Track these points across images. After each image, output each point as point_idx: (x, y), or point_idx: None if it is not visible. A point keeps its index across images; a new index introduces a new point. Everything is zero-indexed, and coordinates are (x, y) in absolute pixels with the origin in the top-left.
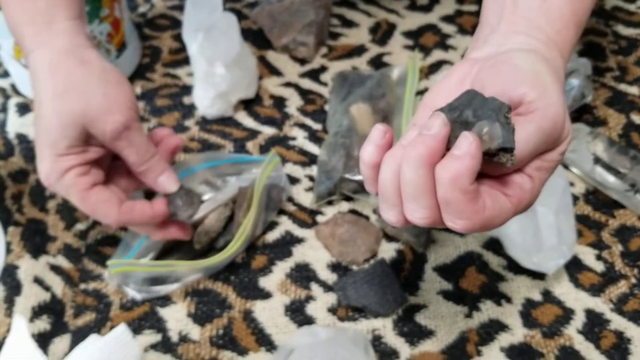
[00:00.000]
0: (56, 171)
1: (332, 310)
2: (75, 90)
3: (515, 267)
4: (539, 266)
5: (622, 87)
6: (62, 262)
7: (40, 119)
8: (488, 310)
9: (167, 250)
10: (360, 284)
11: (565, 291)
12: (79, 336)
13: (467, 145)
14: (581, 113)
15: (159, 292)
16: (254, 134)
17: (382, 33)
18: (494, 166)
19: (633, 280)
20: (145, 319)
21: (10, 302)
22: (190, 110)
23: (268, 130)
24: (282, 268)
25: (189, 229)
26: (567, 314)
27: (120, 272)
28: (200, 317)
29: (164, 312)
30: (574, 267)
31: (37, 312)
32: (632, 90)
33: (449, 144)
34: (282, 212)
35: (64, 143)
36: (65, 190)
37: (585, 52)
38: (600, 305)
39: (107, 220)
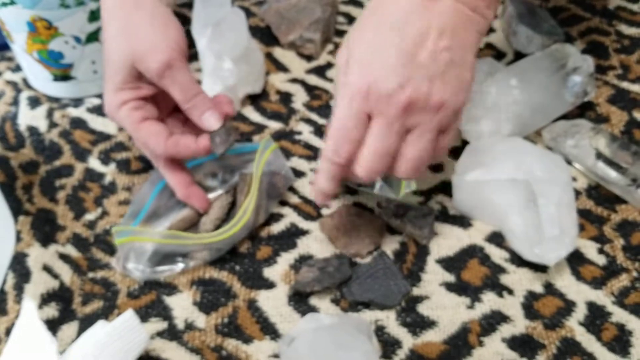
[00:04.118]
0: (114, 104)
1: (336, 302)
2: (127, 33)
3: (518, 260)
4: (541, 257)
5: (625, 85)
6: (71, 251)
7: (104, 56)
8: (490, 301)
9: None
10: (363, 279)
11: (567, 284)
12: (86, 323)
13: None
14: (584, 109)
15: (162, 273)
16: (260, 128)
17: None
18: None
19: (634, 274)
20: (151, 307)
21: (19, 289)
22: None
23: (274, 125)
24: (286, 259)
25: (207, 202)
26: (568, 306)
27: (126, 243)
28: (205, 306)
29: (170, 301)
30: (576, 260)
31: (46, 299)
32: (635, 88)
33: None
34: (287, 204)
35: (118, 78)
36: (121, 121)
37: (589, 50)
38: (602, 298)
39: (156, 151)
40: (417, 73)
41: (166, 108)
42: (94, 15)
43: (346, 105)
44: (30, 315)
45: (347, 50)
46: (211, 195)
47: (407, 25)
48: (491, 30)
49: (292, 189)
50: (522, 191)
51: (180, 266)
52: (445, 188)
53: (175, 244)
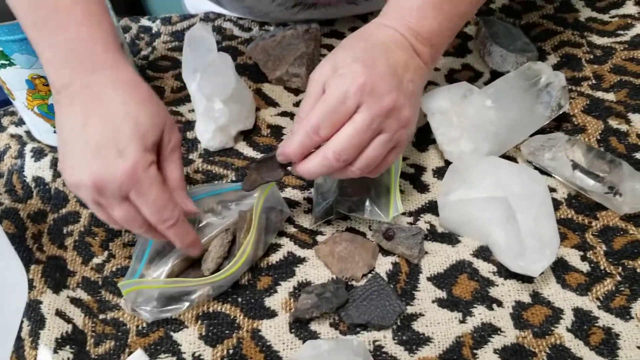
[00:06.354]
0: (145, 162)
1: (335, 325)
2: (157, 103)
3: (505, 272)
4: (525, 269)
5: (599, 94)
6: (82, 294)
7: (128, 116)
8: (481, 314)
9: (177, 276)
10: (360, 302)
11: (554, 292)
12: None
13: None
14: (560, 121)
15: (169, 312)
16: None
17: None
18: None
19: (618, 278)
20: (160, 343)
21: (35, 335)
22: (193, 144)
23: None
24: (285, 287)
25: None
26: (556, 314)
27: (132, 292)
28: (211, 339)
29: (178, 336)
30: (561, 268)
31: (61, 343)
32: (609, 96)
33: None
34: (284, 234)
35: (151, 139)
36: (151, 180)
37: (562, 63)
38: (588, 303)
39: (174, 214)
40: (399, 87)
41: None
42: None
43: (341, 90)
44: None
45: (333, 63)
46: (211, 232)
47: (389, 51)
48: (467, 51)
49: (288, 219)
50: (501, 208)
51: (185, 305)
52: (432, 207)
53: (177, 287)
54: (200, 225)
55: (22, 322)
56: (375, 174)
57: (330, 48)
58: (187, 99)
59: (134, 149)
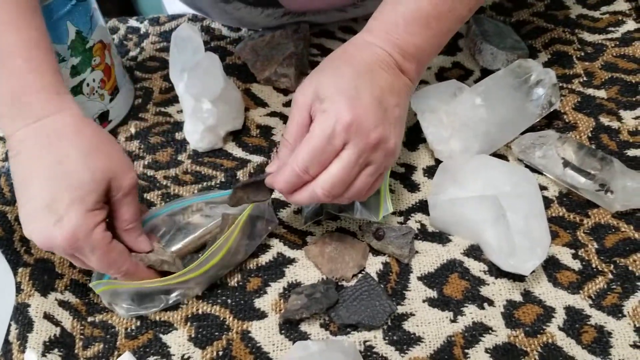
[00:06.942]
0: (86, 226)
1: (325, 326)
2: (102, 149)
3: (496, 271)
4: (516, 268)
5: (590, 91)
6: (70, 297)
7: (66, 176)
8: (472, 314)
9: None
10: (350, 302)
11: (545, 290)
12: None
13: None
14: (551, 119)
15: (147, 309)
16: (243, 163)
17: None
18: None
19: (610, 276)
20: (149, 346)
21: (23, 338)
22: (182, 145)
23: (257, 159)
24: (275, 288)
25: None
26: (548, 312)
27: (105, 291)
28: (200, 341)
29: (167, 338)
30: (552, 267)
31: (49, 346)
32: (600, 93)
33: None
34: (273, 235)
35: (93, 197)
36: (93, 245)
37: (553, 61)
38: (580, 301)
39: (121, 270)
40: (384, 117)
41: None
42: (76, 70)
43: (327, 131)
44: None
45: (315, 89)
46: (195, 233)
47: (374, 74)
48: (457, 49)
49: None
50: (491, 207)
51: (162, 303)
52: (423, 207)
53: (144, 287)
54: (188, 224)
55: (9, 325)
56: (363, 199)
57: (319, 47)
58: (175, 99)
59: (73, 214)
